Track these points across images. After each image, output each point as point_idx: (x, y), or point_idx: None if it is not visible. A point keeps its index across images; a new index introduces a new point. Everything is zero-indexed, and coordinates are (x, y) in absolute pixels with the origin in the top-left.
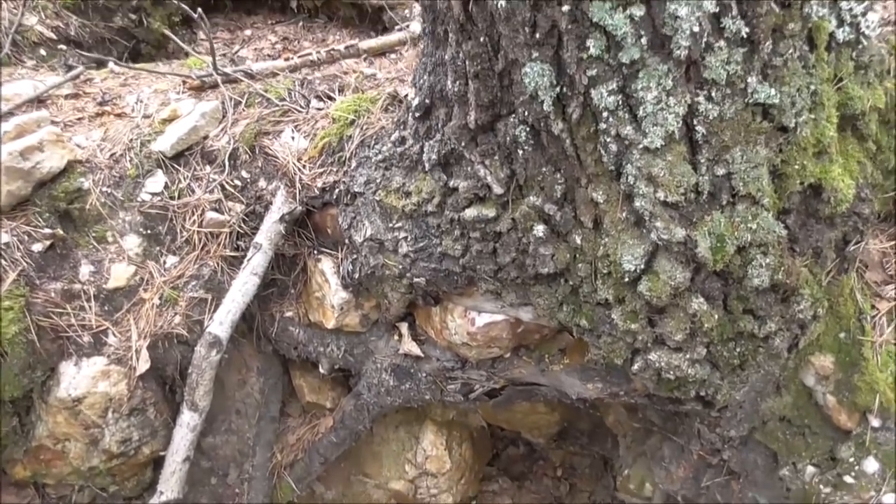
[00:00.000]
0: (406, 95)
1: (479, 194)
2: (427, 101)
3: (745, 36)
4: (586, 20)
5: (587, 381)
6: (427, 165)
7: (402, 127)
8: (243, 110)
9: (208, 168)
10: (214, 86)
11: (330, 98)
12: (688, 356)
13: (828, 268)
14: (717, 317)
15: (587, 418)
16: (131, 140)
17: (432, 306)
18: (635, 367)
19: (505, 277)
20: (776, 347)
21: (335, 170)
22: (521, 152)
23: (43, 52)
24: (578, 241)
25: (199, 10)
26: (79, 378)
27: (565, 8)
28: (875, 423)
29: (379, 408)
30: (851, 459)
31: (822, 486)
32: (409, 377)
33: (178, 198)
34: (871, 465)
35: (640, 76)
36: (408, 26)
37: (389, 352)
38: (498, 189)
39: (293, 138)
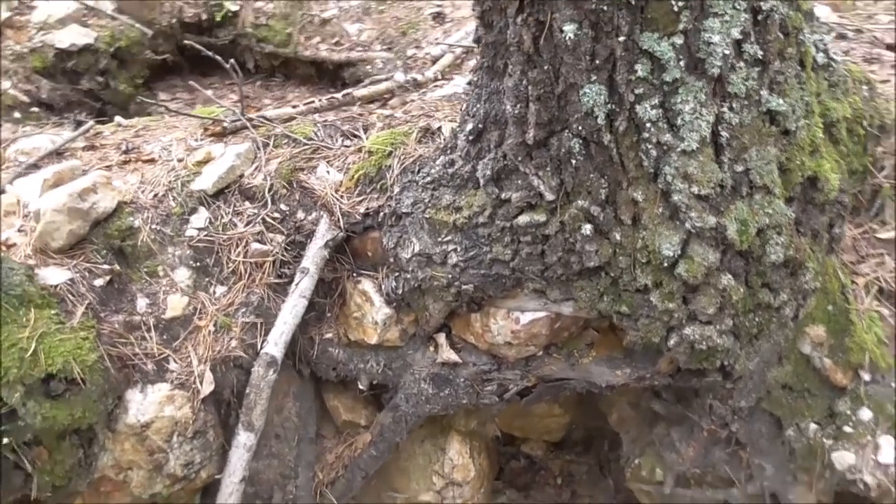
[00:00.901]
0: (439, 128)
1: (532, 202)
2: (480, 125)
3: (759, 58)
4: (636, 48)
5: (615, 368)
6: (482, 181)
7: (448, 151)
8: (272, 150)
9: (248, 203)
10: (235, 132)
11: (355, 136)
12: (717, 327)
13: (823, 247)
14: (742, 291)
15: (582, 427)
16: (170, 181)
17: (474, 312)
18: (671, 342)
19: (551, 276)
20: (786, 316)
21: (376, 196)
22: (573, 162)
23: (17, 114)
24: (618, 238)
25: (232, 61)
26: (146, 404)
27: (621, 39)
28: (866, 377)
29: (417, 417)
30: (848, 412)
31: (824, 440)
32: (447, 384)
33: (223, 231)
34: (865, 413)
35: (680, 91)
36: (392, 76)
37: (427, 362)
38: (549, 196)
39: (328, 172)
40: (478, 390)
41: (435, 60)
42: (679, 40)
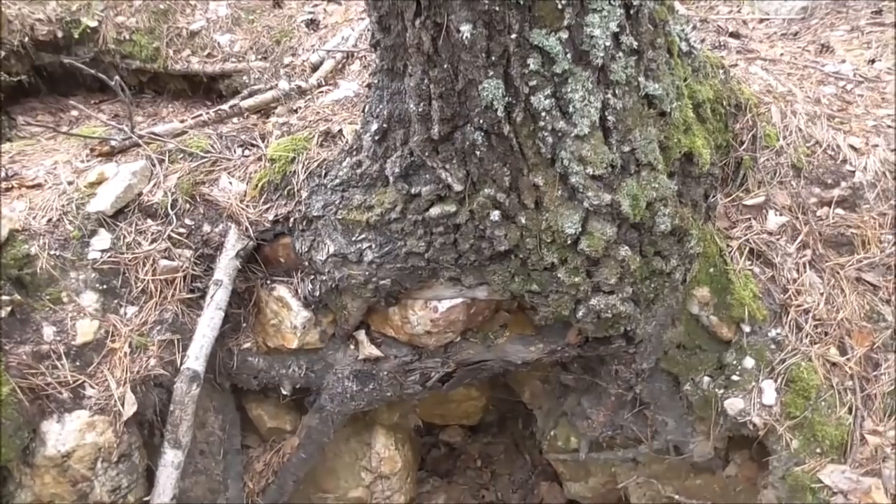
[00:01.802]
0: (339, 130)
1: (441, 194)
2: (384, 125)
3: (635, 48)
4: (528, 44)
5: (528, 345)
6: (391, 178)
7: (354, 153)
8: (169, 166)
9: (150, 221)
10: (125, 150)
11: (253, 145)
12: (619, 296)
13: (702, 215)
14: (638, 260)
15: (496, 410)
16: (63, 205)
17: (392, 306)
18: (580, 313)
19: (465, 263)
20: (676, 280)
21: (283, 203)
22: (477, 153)
23: None
24: (524, 221)
25: (117, 77)
26: (65, 433)
27: (513, 36)
28: (747, 329)
29: (343, 415)
30: (734, 362)
31: (716, 390)
32: (371, 378)
33: (127, 251)
34: (749, 362)
35: (570, 82)
36: (276, 85)
37: (349, 361)
38: (458, 187)
39: (231, 183)
40: (401, 381)
41: (315, 67)
42: (565, 35)
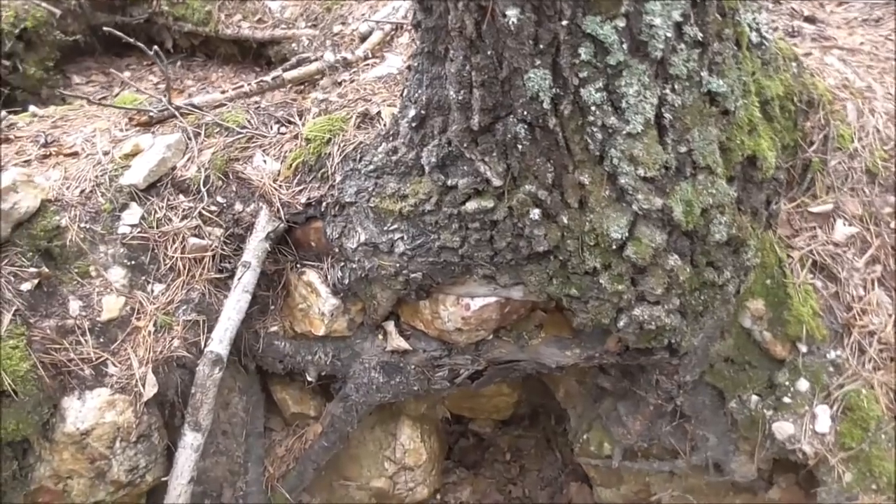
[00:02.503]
0: (378, 112)
1: (478, 188)
2: (422, 112)
3: (699, 39)
4: (580, 32)
5: (564, 349)
6: (427, 168)
7: (391, 138)
8: (205, 140)
9: (182, 197)
10: (163, 120)
11: (290, 122)
12: (665, 307)
13: (762, 223)
14: (688, 270)
15: (529, 403)
16: (97, 176)
17: (423, 300)
18: (621, 323)
19: (500, 261)
20: (729, 293)
21: (317, 185)
22: (519, 147)
23: None
24: (566, 221)
25: (156, 47)
26: (85, 411)
27: (564, 23)
28: (803, 349)
29: (367, 406)
30: (787, 383)
31: (765, 410)
32: (397, 371)
33: (157, 227)
34: (803, 384)
35: (624, 74)
36: (321, 56)
37: (376, 351)
38: (497, 181)
39: (265, 161)
40: (428, 376)
41: (364, 38)
42: (621, 23)
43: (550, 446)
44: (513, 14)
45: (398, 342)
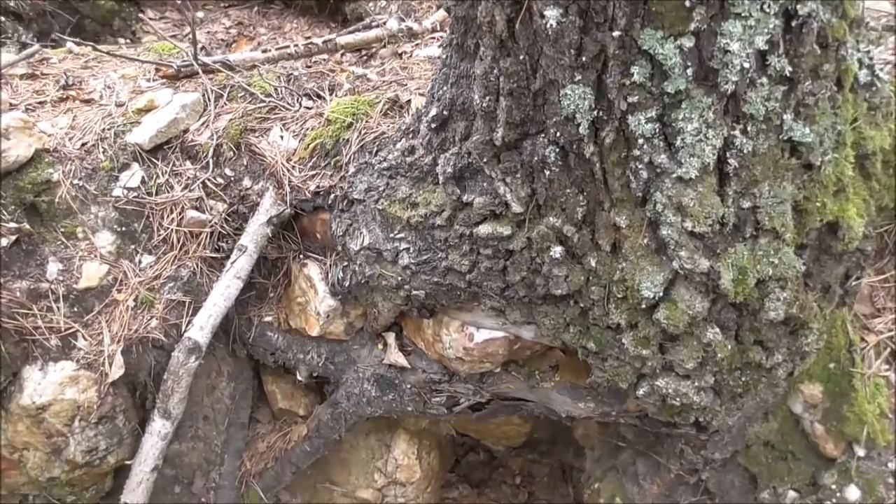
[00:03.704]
0: (408, 101)
1: (496, 211)
2: (445, 112)
3: (786, 74)
4: (634, 47)
5: (578, 399)
6: (441, 178)
7: (410, 136)
8: (225, 104)
9: (189, 164)
10: (191, 75)
11: (319, 97)
12: (696, 384)
13: (834, 303)
14: (729, 347)
15: (548, 427)
16: (104, 129)
17: (427, 318)
18: (641, 391)
19: (512, 296)
20: (777, 377)
21: (330, 174)
22: (547, 173)
23: None
24: (593, 264)
25: None
26: (44, 384)
27: (616, 34)
28: (860, 452)
29: (357, 417)
30: (834, 486)
31: None
32: (392, 388)
33: (156, 194)
34: (853, 492)
35: (683, 107)
36: (384, 23)
37: (373, 361)
38: (517, 208)
39: (282, 137)
40: (425, 399)
41: (440, 6)
42: (688, 43)
43: (565, 478)
44: (553, 15)
45: (396, 357)
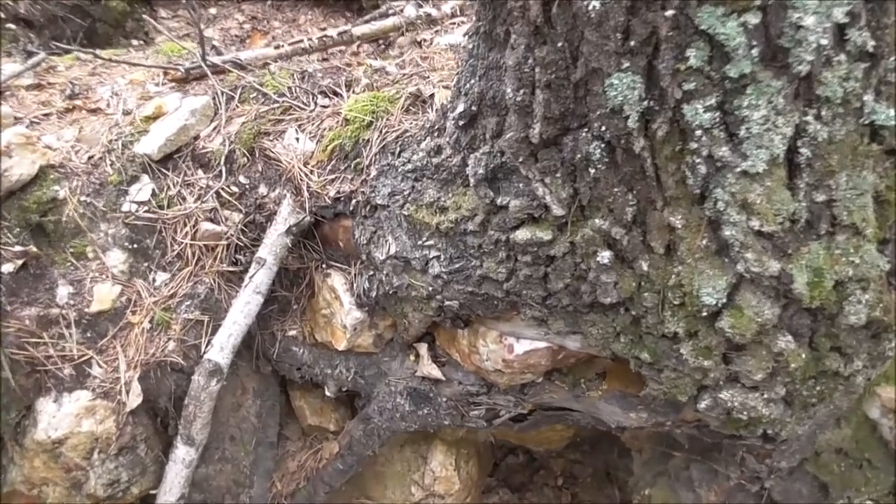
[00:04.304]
0: (431, 95)
1: (534, 214)
2: (473, 108)
3: (868, 50)
4: (690, 27)
5: (629, 409)
6: (472, 180)
7: (436, 134)
8: (237, 107)
9: (201, 173)
10: (200, 77)
11: (336, 94)
12: (765, 396)
13: None
14: (803, 356)
15: (591, 428)
16: (111, 141)
17: (461, 329)
18: (702, 404)
19: (554, 304)
20: (856, 385)
21: (350, 177)
22: (591, 171)
23: None
24: (645, 268)
25: None
26: (59, 416)
27: (669, 13)
28: None
29: (391, 433)
30: None
31: None
32: (427, 402)
33: (168, 207)
34: None
35: (749, 92)
36: (402, 10)
37: (405, 374)
38: (558, 210)
39: (298, 140)
40: (462, 412)
41: None
42: (754, 19)
43: (610, 479)
44: None
45: (430, 369)
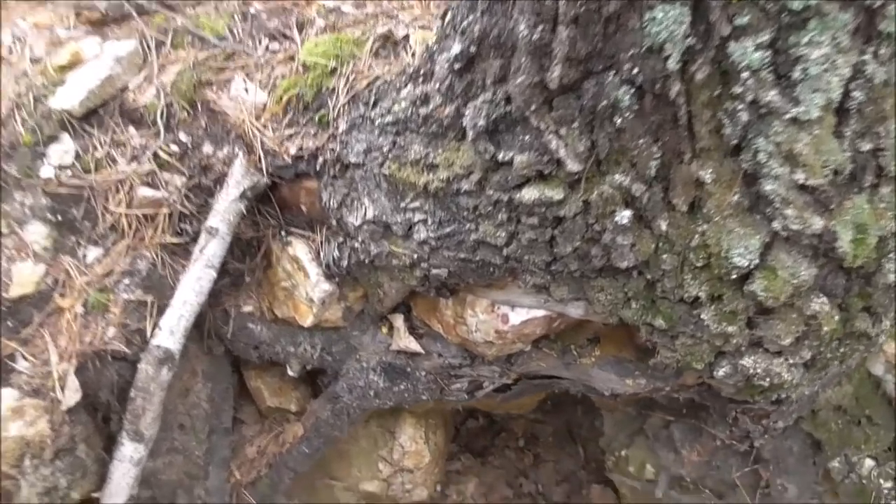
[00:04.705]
0: (405, 37)
1: (543, 171)
2: (472, 49)
3: None
4: None
5: (625, 375)
6: (470, 133)
7: (421, 80)
8: (170, 53)
9: (133, 130)
10: (121, 19)
11: (286, 37)
12: (789, 360)
13: None
14: (836, 318)
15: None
16: (20, 94)
17: (446, 298)
18: (720, 372)
19: (560, 270)
20: (878, 344)
21: (313, 132)
22: (616, 120)
23: None
24: (664, 228)
25: None
26: None
27: None
28: None
29: (361, 411)
30: None
31: (881, 480)
32: (403, 377)
33: (96, 171)
34: None
35: (811, 27)
36: None
37: (378, 348)
38: (573, 165)
39: (247, 90)
40: (442, 385)
41: None
42: None
43: (572, 437)
44: None
45: (407, 342)
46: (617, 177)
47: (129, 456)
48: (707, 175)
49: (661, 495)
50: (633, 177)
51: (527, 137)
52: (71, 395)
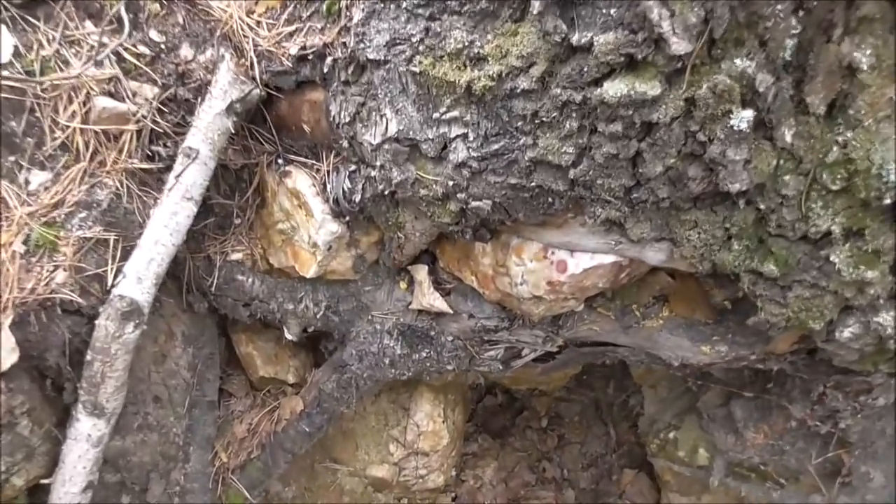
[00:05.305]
0: None
1: (634, 55)
2: None
3: None
4: None
5: (701, 341)
6: (536, 5)
7: None
8: None
9: (90, 24)
10: None
11: None
12: None
13: None
14: None
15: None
16: None
17: (484, 241)
18: (846, 332)
19: (643, 199)
20: None
21: (320, 27)
22: None
23: None
24: (789, 139)
25: None
26: None
27: None
28: None
29: (373, 382)
30: None
31: None
32: (426, 342)
33: (42, 73)
34: None
35: None
36: None
37: (395, 307)
38: (679, 46)
39: None
40: (472, 353)
41: None
42: None
43: (600, 416)
44: None
45: (432, 300)
46: (738, 62)
47: (85, 434)
48: (863, 58)
49: (717, 483)
50: (760, 62)
51: (611, 11)
52: (7, 356)
